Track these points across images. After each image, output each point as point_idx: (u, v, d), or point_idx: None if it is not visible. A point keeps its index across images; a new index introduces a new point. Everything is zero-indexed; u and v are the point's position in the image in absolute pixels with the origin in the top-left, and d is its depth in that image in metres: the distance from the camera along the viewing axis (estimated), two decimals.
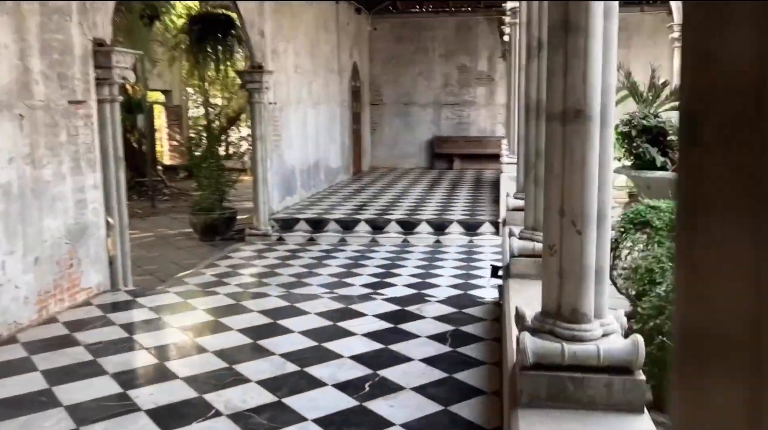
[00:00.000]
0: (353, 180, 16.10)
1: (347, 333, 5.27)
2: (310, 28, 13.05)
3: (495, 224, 10.16)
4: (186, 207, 12.52)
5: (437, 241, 10.01)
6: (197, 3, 12.77)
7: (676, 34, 14.35)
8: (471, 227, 10.30)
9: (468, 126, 18.79)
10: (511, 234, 4.19)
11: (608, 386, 2.31)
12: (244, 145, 15.64)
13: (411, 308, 5.90)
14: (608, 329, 2.42)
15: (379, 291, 7.21)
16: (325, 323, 5.54)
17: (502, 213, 9.94)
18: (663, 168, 5.66)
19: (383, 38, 18.65)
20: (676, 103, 6.22)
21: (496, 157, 17.89)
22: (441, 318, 5.60)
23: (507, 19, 11.08)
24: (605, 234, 2.43)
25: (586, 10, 2.24)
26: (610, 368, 2.32)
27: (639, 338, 2.37)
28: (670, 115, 5.83)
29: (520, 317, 2.63)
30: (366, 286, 7.49)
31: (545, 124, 2.43)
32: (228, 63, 10.61)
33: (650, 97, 6.00)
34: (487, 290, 7.22)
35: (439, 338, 5.12)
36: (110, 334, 5.35)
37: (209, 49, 10.51)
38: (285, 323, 5.55)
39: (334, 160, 15.06)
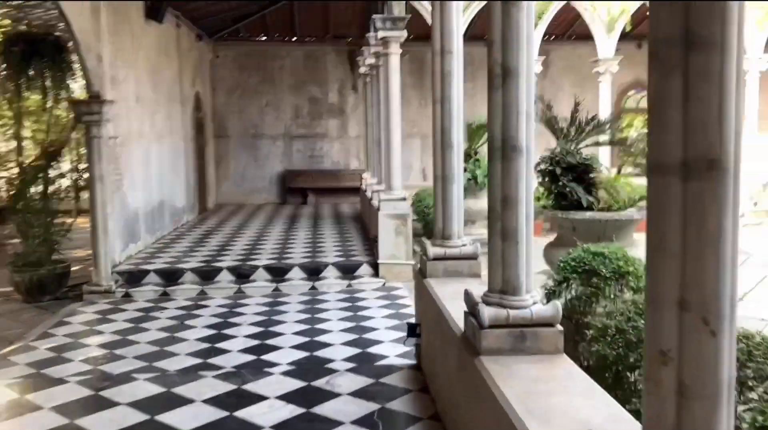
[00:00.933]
0: (200, 220, 14.65)
1: (252, 427, 4.19)
2: (152, 53, 11.64)
3: (374, 266, 9.43)
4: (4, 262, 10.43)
5: (313, 287, 9.06)
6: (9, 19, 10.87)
7: (601, 68, 14.79)
8: (348, 270, 9.47)
9: (321, 159, 18.06)
10: (470, 297, 3.44)
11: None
12: (66, 183, 13.53)
13: (319, 384, 4.94)
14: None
15: (267, 357, 6.13)
16: (220, 413, 4.41)
17: (382, 254, 9.29)
18: (590, 208, 5.29)
19: (227, 67, 17.47)
20: (600, 138, 5.92)
21: (352, 191, 17.34)
22: (359, 394, 4.71)
23: (372, 48, 10.51)
24: (734, 332, 1.74)
25: (721, 16, 1.55)
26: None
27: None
28: (591, 151, 5.52)
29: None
30: (248, 351, 6.37)
31: (648, 179, 1.69)
32: (59, 91, 8.95)
33: (572, 132, 5.66)
34: (388, 346, 6.43)
35: (366, 423, 4.22)
36: None
37: (33, 75, 8.80)
38: (167, 419, 4.34)
39: (179, 199, 13.57)
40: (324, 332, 7.06)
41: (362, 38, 16.66)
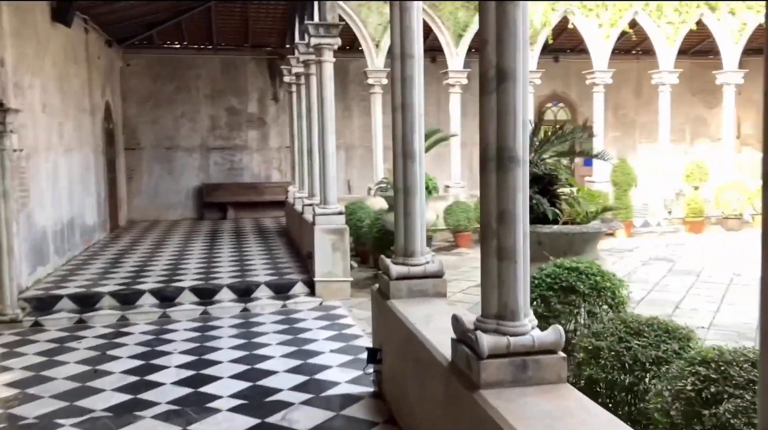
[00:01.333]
0: (113, 238, 13.69)
1: None
2: (59, 58, 10.74)
3: (309, 284, 8.98)
4: None
5: (245, 309, 8.49)
6: None
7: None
8: (282, 289, 8.97)
9: (241, 172, 17.39)
10: (461, 323, 3.11)
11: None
12: None
13: (273, 420, 4.47)
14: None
15: (206, 389, 5.58)
16: None
17: (319, 272, 8.84)
18: (555, 221, 5.10)
19: (139, 75, 16.54)
20: (563, 148, 5.75)
21: (274, 205, 16.76)
22: None
23: (301, 56, 10.09)
24: None
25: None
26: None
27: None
28: (552, 162, 5.36)
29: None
30: (184, 383, 5.78)
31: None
32: None
33: (536, 142, 5.46)
34: (337, 372, 6.02)
35: None
36: None
37: None
38: None
39: (90, 216, 12.60)
40: (264, 358, 6.55)
41: (283, 47, 16.24)
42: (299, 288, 9.00)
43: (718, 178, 15.70)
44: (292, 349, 6.84)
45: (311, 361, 6.42)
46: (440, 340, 3.54)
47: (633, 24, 15.29)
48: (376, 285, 4.98)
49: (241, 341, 7.16)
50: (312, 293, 8.88)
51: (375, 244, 10.04)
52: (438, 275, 4.54)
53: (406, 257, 4.56)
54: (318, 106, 9.19)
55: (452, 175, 14.76)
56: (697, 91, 19.11)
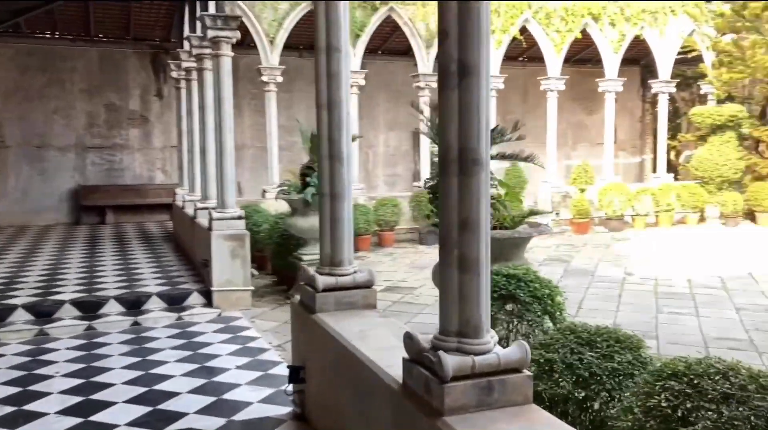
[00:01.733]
0: None
1: None
2: None
3: (206, 294, 8.38)
4: None
5: (135, 323, 7.76)
6: None
7: (422, 83, 14.55)
8: (176, 301, 8.30)
9: (121, 173, 16.23)
10: (415, 341, 2.81)
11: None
12: None
13: None
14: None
15: (98, 418, 4.94)
16: None
17: (217, 281, 8.27)
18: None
19: (4, 67, 15.04)
20: (498, 150, 5.57)
21: (159, 208, 15.77)
22: None
23: (194, 50, 9.44)
24: None
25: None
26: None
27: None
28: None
29: None
30: (71, 412, 5.09)
31: None
32: None
33: None
34: (247, 391, 5.56)
35: None
36: None
37: None
38: None
39: None
40: (163, 377, 5.95)
41: (168, 41, 15.31)
42: (195, 298, 8.38)
43: (600, 181, 16.46)
44: (194, 366, 6.28)
45: (216, 379, 5.91)
46: (384, 359, 3.24)
47: (523, 30, 15.72)
48: (297, 297, 4.59)
49: (135, 359, 6.50)
50: (209, 303, 8.29)
51: (276, 250, 9.56)
52: (368, 285, 4.23)
53: (333, 266, 4.22)
54: (215, 103, 8.60)
55: (355, 179, 14.50)
56: (577, 98, 19.99)
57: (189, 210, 10.77)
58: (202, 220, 9.24)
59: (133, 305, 8.10)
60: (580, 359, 3.15)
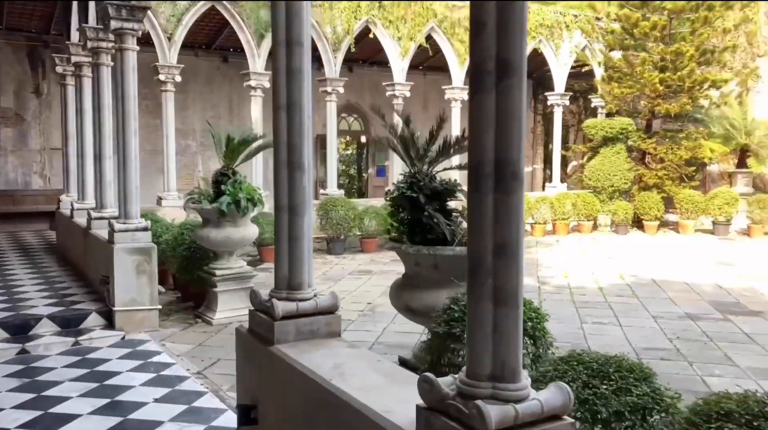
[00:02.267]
0: None
1: None
2: None
3: (106, 315, 7.48)
4: None
5: (23, 351, 6.76)
6: None
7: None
8: (71, 323, 7.35)
9: None
10: (437, 387, 2.39)
11: None
12: None
13: None
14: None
15: None
16: None
17: (119, 300, 7.43)
18: (451, 242, 4.51)
19: None
20: (457, 161, 5.19)
21: (36, 216, 14.28)
22: None
23: (90, 43, 8.48)
24: None
25: None
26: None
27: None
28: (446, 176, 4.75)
29: None
30: None
31: None
32: None
33: (433, 153, 4.80)
34: (172, 429, 4.89)
35: None
36: None
37: None
38: None
39: None
40: (66, 418, 5.13)
41: (48, 32, 13.97)
42: (94, 320, 7.47)
43: None
44: (102, 401, 5.49)
45: (133, 416, 5.17)
46: (376, 402, 2.78)
47: (428, 38, 15.66)
48: (243, 325, 4.01)
49: (27, 397, 5.59)
50: (111, 325, 7.42)
51: (181, 263, 8.76)
52: (332, 310, 3.74)
53: (291, 290, 3.70)
54: (114, 102, 7.76)
55: (260, 186, 13.76)
56: None
57: (80, 219, 9.69)
58: (100, 231, 8.30)
59: (20, 329, 7.08)
60: (595, 394, 2.86)
